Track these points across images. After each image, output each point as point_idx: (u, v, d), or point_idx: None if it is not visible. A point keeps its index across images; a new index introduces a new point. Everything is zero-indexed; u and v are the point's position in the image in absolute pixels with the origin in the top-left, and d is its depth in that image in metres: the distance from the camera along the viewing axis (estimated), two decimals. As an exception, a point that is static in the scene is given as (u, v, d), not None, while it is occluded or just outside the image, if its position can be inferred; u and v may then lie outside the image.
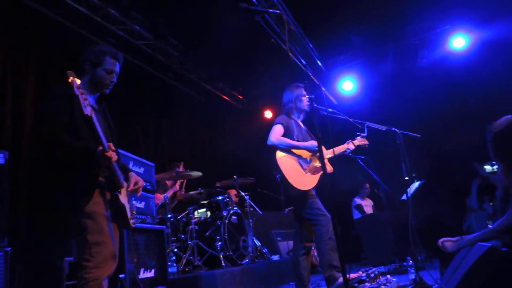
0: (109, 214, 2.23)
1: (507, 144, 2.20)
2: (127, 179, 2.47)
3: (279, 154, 3.49)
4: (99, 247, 2.09)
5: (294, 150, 3.53)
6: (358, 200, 7.48)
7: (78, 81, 2.03)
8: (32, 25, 5.14)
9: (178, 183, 5.77)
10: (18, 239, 3.37)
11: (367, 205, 7.53)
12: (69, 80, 2.02)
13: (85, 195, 2.15)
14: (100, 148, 2.09)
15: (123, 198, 2.36)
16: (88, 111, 2.00)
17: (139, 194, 2.52)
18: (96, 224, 2.13)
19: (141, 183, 2.49)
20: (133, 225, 2.45)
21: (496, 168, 3.28)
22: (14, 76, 4.88)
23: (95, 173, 2.22)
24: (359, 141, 3.76)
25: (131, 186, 2.44)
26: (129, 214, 2.40)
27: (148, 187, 4.38)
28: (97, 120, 2.25)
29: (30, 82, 5.03)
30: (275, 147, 3.51)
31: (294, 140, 3.55)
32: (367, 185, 7.50)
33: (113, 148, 2.13)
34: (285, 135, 3.56)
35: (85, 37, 5.68)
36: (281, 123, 3.60)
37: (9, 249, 2.95)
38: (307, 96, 3.66)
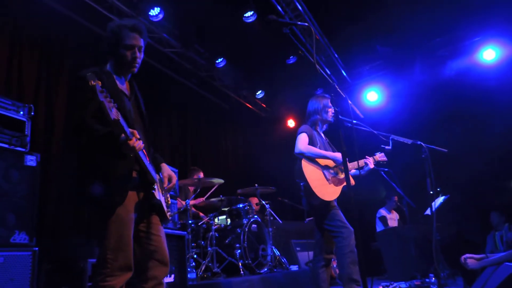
0: (135, 216, 2.10)
1: None
2: (158, 170, 2.33)
3: (305, 162, 3.49)
4: (114, 255, 1.97)
5: (319, 160, 3.52)
6: (383, 212, 7.34)
7: (100, 83, 1.79)
8: (66, 30, 5.33)
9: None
10: (44, 239, 3.47)
11: (393, 219, 7.35)
12: (90, 85, 1.76)
13: (115, 196, 2.01)
14: (123, 135, 1.91)
15: (157, 192, 2.21)
16: (114, 114, 1.82)
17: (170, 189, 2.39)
18: (117, 229, 1.99)
19: (175, 179, 2.34)
20: (170, 218, 2.33)
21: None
22: (47, 79, 5.06)
23: (128, 168, 2.05)
24: (378, 156, 3.73)
25: (165, 182, 2.29)
26: (165, 208, 2.27)
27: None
28: (128, 106, 2.17)
29: (62, 86, 5.21)
30: (301, 156, 3.51)
31: (317, 150, 3.55)
32: (396, 198, 7.33)
33: (137, 136, 1.95)
34: (308, 144, 3.56)
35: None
36: (306, 132, 3.60)
37: (36, 248, 3.04)
38: (332, 108, 3.66)
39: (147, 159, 2.20)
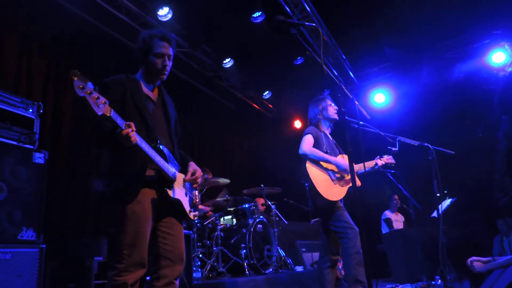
0: (152, 214, 2.12)
1: None
2: (185, 170, 2.36)
3: (309, 163, 3.49)
4: (130, 251, 2.00)
5: (323, 163, 3.52)
6: (388, 214, 7.31)
7: (86, 81, 1.83)
8: (75, 29, 5.37)
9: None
10: (51, 237, 3.50)
11: (398, 220, 7.32)
12: (74, 79, 1.82)
13: (129, 193, 2.06)
14: (119, 129, 1.92)
15: (177, 191, 2.23)
16: (102, 110, 1.80)
17: (195, 185, 2.40)
18: (133, 226, 2.03)
19: (199, 172, 2.38)
20: (195, 218, 2.33)
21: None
22: (56, 77, 5.10)
23: (141, 165, 2.09)
24: (386, 159, 3.73)
25: (189, 176, 2.32)
26: (187, 207, 2.28)
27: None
28: (151, 110, 2.25)
29: (71, 84, 5.21)
30: (305, 157, 3.51)
31: (323, 151, 3.53)
32: (396, 197, 7.32)
33: (133, 128, 1.93)
34: (314, 146, 3.55)
35: (125, 44, 5.87)
36: (311, 133, 3.60)
37: (44, 246, 3.07)
38: (333, 105, 3.67)
39: (174, 159, 2.27)
